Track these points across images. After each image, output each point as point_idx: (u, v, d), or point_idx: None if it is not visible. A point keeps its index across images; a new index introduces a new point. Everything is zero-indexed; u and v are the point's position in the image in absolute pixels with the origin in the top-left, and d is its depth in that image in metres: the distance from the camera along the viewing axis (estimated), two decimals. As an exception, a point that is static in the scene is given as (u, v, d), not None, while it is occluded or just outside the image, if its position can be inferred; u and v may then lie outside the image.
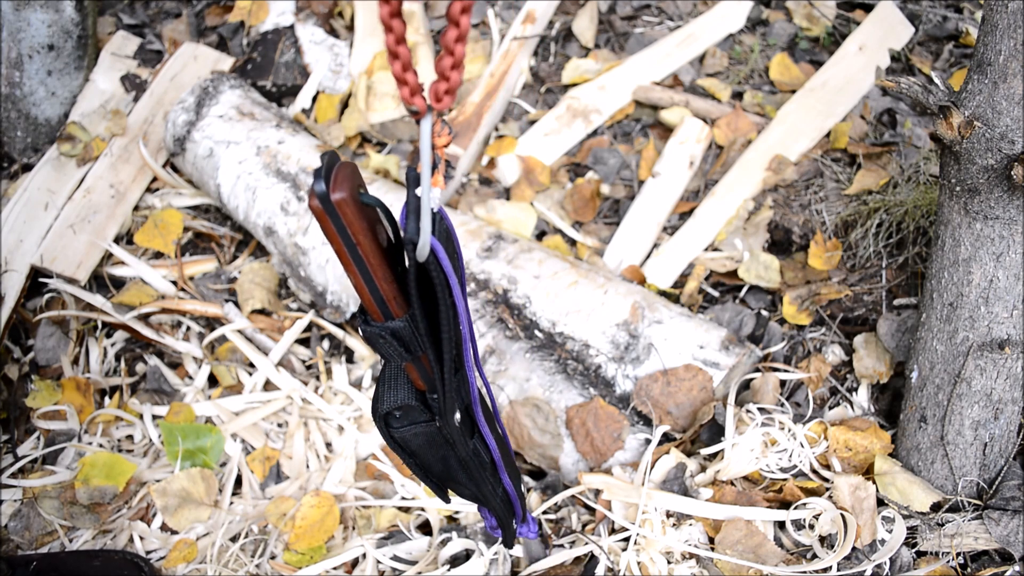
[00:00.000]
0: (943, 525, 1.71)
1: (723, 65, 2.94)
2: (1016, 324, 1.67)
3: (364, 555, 1.95)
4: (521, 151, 2.76)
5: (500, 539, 1.56)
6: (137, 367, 2.45)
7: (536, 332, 2.06)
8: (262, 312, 2.50)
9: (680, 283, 2.40)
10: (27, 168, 2.86)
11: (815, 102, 2.65)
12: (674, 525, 1.77)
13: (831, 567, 1.65)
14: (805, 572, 1.66)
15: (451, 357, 0.97)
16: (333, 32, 3.16)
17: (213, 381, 2.40)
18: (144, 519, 2.10)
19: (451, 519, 2.04)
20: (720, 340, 1.99)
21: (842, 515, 1.69)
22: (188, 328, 2.49)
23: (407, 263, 0.85)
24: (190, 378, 2.41)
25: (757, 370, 2.05)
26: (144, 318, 2.48)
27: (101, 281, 2.63)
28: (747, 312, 2.23)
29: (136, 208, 2.77)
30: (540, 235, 2.59)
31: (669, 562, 1.72)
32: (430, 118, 0.77)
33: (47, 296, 2.55)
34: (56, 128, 2.91)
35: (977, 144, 1.54)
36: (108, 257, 2.65)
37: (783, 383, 2.05)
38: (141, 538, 2.05)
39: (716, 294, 2.38)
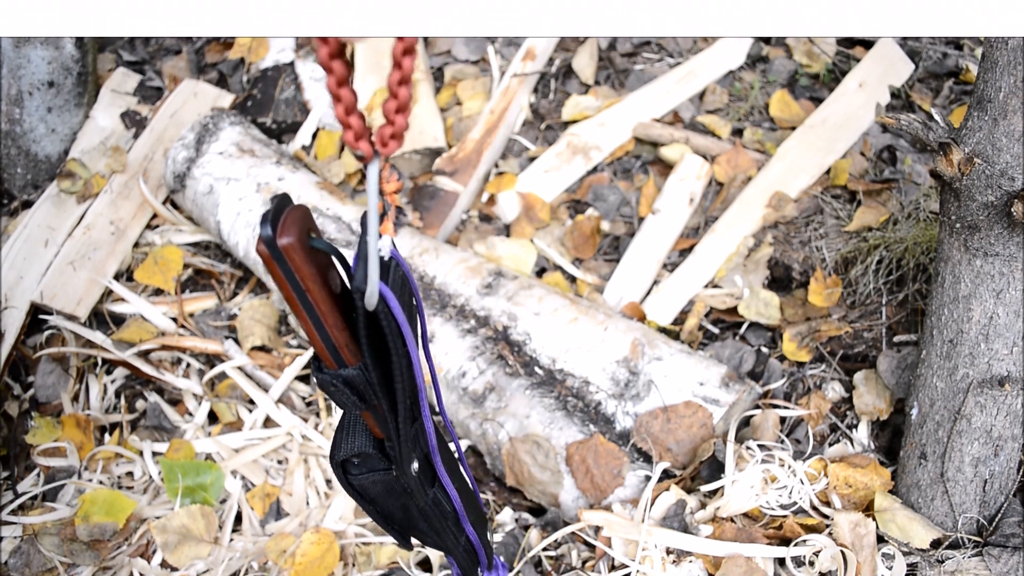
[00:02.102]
0: (943, 562, 1.70)
1: (723, 102, 2.95)
2: (1016, 361, 1.67)
3: (364, 592, 1.95)
4: (521, 188, 2.76)
5: None
6: (137, 404, 2.45)
7: (536, 369, 2.06)
8: (262, 349, 2.50)
9: (680, 320, 2.40)
10: (27, 205, 2.87)
11: (815, 139, 2.66)
12: (674, 562, 1.76)
13: (832, 604, 1.65)
14: (806, 609, 1.65)
15: (406, 406, 0.96)
16: (334, 68, 3.17)
17: (213, 418, 2.40)
18: (144, 556, 2.09)
19: (451, 555, 2.03)
20: (720, 377, 1.99)
21: (842, 552, 1.68)
22: (188, 365, 2.49)
23: (357, 311, 0.84)
24: (190, 415, 2.40)
25: (757, 407, 2.05)
26: (144, 355, 2.48)
27: (101, 318, 2.64)
28: (747, 349, 2.23)
29: (136, 245, 2.77)
30: (540, 272, 2.60)
31: (669, 599, 1.72)
32: (376, 163, 0.76)
33: (47, 333, 2.54)
34: (56, 165, 2.92)
35: (977, 181, 1.55)
36: (108, 294, 2.65)
37: (783, 420, 2.05)
38: (141, 575, 2.04)
39: (716, 331, 2.38)
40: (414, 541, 1.28)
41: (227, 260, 2.78)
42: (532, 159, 2.91)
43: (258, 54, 3.20)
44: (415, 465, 1.08)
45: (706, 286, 2.45)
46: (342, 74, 0.69)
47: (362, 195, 2.85)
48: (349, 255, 2.33)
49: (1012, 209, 1.50)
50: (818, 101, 2.88)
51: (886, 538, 1.75)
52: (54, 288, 2.56)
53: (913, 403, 1.83)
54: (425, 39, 3.34)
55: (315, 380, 0.94)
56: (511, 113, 2.98)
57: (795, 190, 2.55)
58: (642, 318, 2.38)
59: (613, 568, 1.80)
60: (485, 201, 2.81)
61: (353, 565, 2.02)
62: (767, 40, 3.13)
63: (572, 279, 2.57)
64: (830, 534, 1.74)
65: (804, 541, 1.74)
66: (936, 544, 1.75)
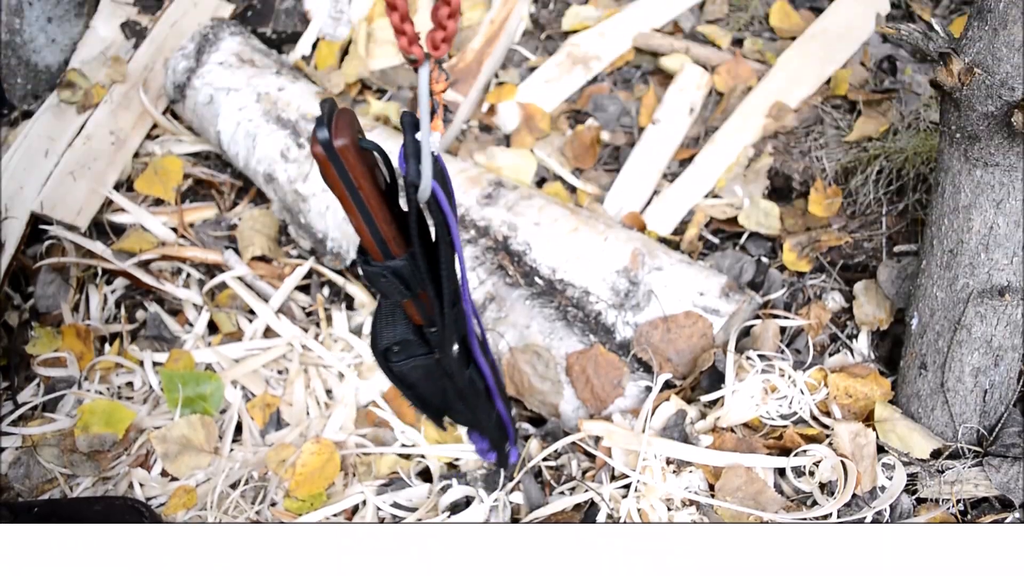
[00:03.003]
0: (943, 472, 1.71)
1: (723, 12, 2.93)
2: (1016, 271, 1.67)
3: (364, 502, 1.96)
4: (521, 98, 2.75)
5: (493, 461, 1.59)
6: (137, 314, 2.46)
7: (536, 279, 2.06)
8: (262, 259, 2.50)
9: (680, 230, 2.40)
10: (27, 115, 2.85)
11: (815, 49, 2.64)
12: (674, 472, 1.77)
13: (831, 514, 1.66)
14: (805, 519, 1.66)
15: (450, 292, 1.01)
16: (333, -22, 3.14)
17: (213, 328, 2.41)
18: (144, 466, 2.10)
19: (451, 466, 2.05)
20: (720, 287, 1.99)
21: (842, 462, 1.69)
22: (188, 275, 2.49)
23: (406, 205, 0.88)
24: (190, 325, 2.41)
25: (757, 317, 2.05)
26: (144, 265, 2.48)
27: (101, 228, 2.63)
28: (747, 259, 2.23)
29: (136, 155, 2.76)
30: (540, 182, 2.59)
31: (669, 509, 1.73)
32: (428, 65, 0.80)
33: (47, 243, 2.55)
34: (56, 75, 2.90)
35: (977, 91, 1.53)
36: (108, 204, 2.65)
37: (783, 330, 2.05)
38: (141, 485, 2.05)
39: (716, 241, 2.38)
40: (446, 420, 1.34)
41: (227, 170, 2.78)
42: (532, 69, 2.90)
43: (258, -37, 3.17)
44: (455, 347, 1.13)
45: (706, 196, 2.44)
46: None
47: (361, 105, 2.83)
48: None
49: (1012, 119, 1.49)
50: (818, 11, 2.85)
51: (886, 448, 1.76)
52: (54, 198, 2.55)
53: (913, 313, 1.83)
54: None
55: (362, 272, 0.99)
56: (511, 23, 2.95)
57: (795, 100, 2.53)
58: (642, 228, 2.38)
59: (613, 478, 1.81)
60: (485, 111, 2.79)
61: (353, 475, 2.04)
62: (769, -51, 3.10)
63: (572, 189, 2.57)
64: (830, 444, 1.74)
65: (804, 451, 1.74)
66: (936, 454, 1.76)
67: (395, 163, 0.92)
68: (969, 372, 1.73)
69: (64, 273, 2.50)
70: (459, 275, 1.05)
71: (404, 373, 1.16)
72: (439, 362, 1.14)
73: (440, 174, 0.91)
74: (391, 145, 2.33)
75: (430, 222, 0.97)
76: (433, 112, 0.83)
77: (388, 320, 1.10)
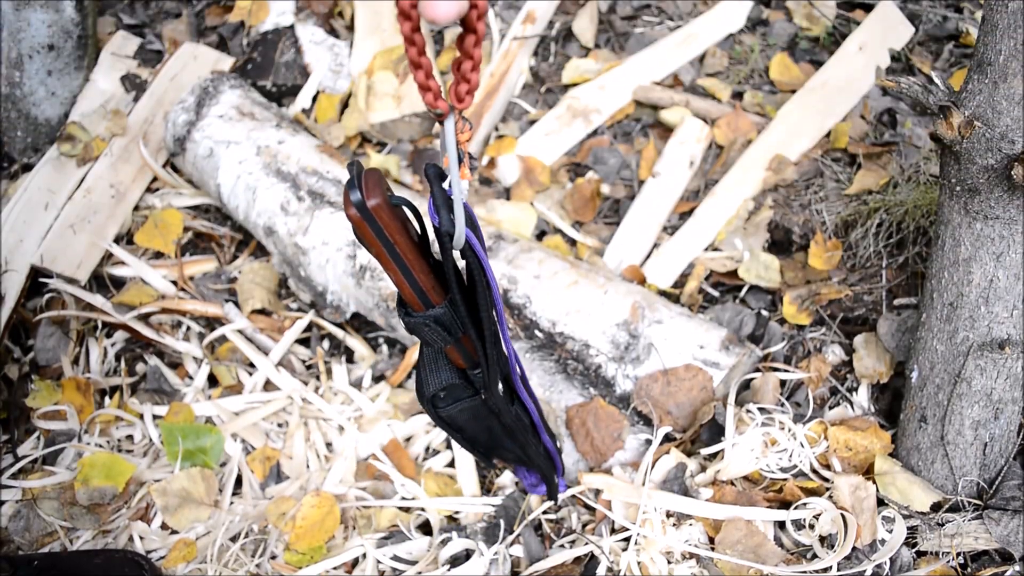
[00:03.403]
0: (943, 525, 1.71)
1: (723, 65, 2.94)
2: (1016, 324, 1.67)
3: (364, 555, 1.95)
4: (521, 151, 2.76)
5: (544, 494, 1.61)
6: (137, 367, 2.45)
7: (536, 332, 2.06)
8: (262, 312, 2.50)
9: (680, 283, 2.40)
10: (27, 168, 2.86)
11: (815, 102, 2.65)
12: (674, 525, 1.77)
13: (831, 567, 1.65)
14: (805, 572, 1.66)
15: (491, 333, 1.04)
16: (333, 32, 3.16)
17: (213, 381, 2.40)
18: (144, 519, 2.10)
19: (451, 519, 2.04)
20: (720, 340, 1.99)
21: (842, 515, 1.69)
22: (188, 328, 2.50)
23: (440, 253, 0.91)
24: (190, 378, 2.41)
25: (757, 370, 2.05)
26: (144, 318, 2.48)
27: (101, 281, 2.64)
28: (747, 312, 2.23)
29: (136, 208, 2.77)
30: (540, 235, 2.59)
31: (669, 562, 1.73)
32: (453, 117, 0.83)
33: (47, 296, 2.55)
34: (56, 128, 2.91)
35: (977, 144, 1.54)
36: (108, 257, 2.65)
37: (783, 383, 2.05)
38: (141, 538, 2.05)
39: (716, 294, 2.38)
40: (496, 461, 1.40)
41: (227, 223, 2.78)
42: (532, 122, 2.91)
43: (258, 17, 3.19)
44: (500, 386, 1.16)
45: (706, 249, 2.45)
46: (422, 44, 0.76)
47: (360, 158, 2.84)
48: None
49: (1012, 172, 1.49)
50: (818, 64, 2.87)
51: (886, 501, 1.76)
52: (54, 251, 2.56)
53: (913, 366, 1.83)
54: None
55: (405, 324, 1.01)
56: (511, 76, 2.97)
57: (795, 153, 2.54)
58: (642, 281, 2.38)
59: (613, 531, 1.81)
60: (485, 164, 2.80)
61: (354, 528, 2.03)
62: (767, 3, 3.12)
63: (572, 242, 2.57)
64: (830, 497, 1.74)
65: (804, 504, 1.74)
66: (936, 507, 1.75)
67: (424, 215, 0.94)
68: (969, 425, 1.72)
69: (64, 326, 2.50)
70: (499, 315, 1.07)
71: (452, 417, 1.18)
72: (485, 402, 1.16)
73: (470, 220, 0.93)
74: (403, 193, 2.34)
75: (460, 264, 0.99)
76: (460, 161, 0.86)
77: (432, 367, 1.12)
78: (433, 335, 1.00)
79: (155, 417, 2.28)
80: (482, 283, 0.98)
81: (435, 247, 0.97)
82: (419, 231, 0.98)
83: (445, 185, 0.89)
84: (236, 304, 2.51)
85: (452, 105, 0.83)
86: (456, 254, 0.94)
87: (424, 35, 2.64)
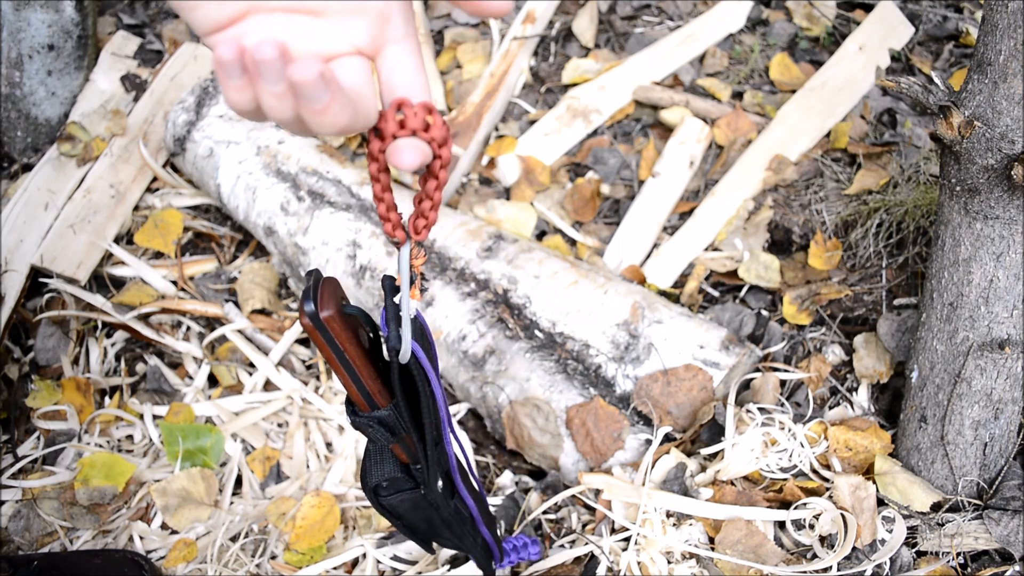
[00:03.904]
0: (943, 525, 1.71)
1: (723, 65, 2.94)
2: (1016, 324, 1.67)
3: (364, 555, 1.95)
4: (521, 151, 2.76)
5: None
6: (137, 367, 2.45)
7: (536, 332, 2.06)
8: (262, 312, 2.50)
9: (680, 283, 2.40)
10: (27, 168, 2.87)
11: (815, 102, 2.65)
12: (674, 525, 1.77)
13: (831, 567, 1.65)
14: (805, 572, 1.66)
15: (432, 435, 1.09)
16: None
17: (213, 381, 2.40)
18: (144, 519, 2.10)
19: (451, 519, 2.04)
20: (720, 340, 1.99)
21: (842, 515, 1.69)
22: (188, 328, 2.49)
23: (389, 361, 0.97)
24: (190, 378, 2.41)
25: (757, 370, 2.05)
26: (144, 318, 2.48)
27: (101, 281, 2.64)
28: (747, 312, 2.23)
29: (136, 208, 2.77)
30: (540, 235, 2.59)
31: (669, 562, 1.73)
32: (408, 246, 0.91)
33: (47, 296, 2.55)
34: (56, 128, 2.92)
35: (977, 144, 1.54)
36: (108, 257, 2.65)
37: (783, 383, 2.05)
38: (141, 538, 2.05)
39: (716, 294, 2.38)
40: (435, 545, 1.46)
41: (227, 223, 2.78)
42: (532, 122, 2.91)
43: (258, 17, 3.18)
44: (439, 483, 1.21)
45: (706, 249, 2.45)
46: (387, 183, 0.85)
47: (360, 158, 2.84)
48: (350, 224, 2.33)
49: (1012, 172, 1.49)
50: (818, 64, 2.87)
51: (886, 501, 1.76)
52: (54, 251, 2.56)
53: (913, 366, 1.83)
54: (425, 1, 3.33)
55: (351, 422, 1.05)
56: (511, 76, 2.97)
57: (795, 153, 2.54)
58: (642, 281, 2.38)
59: (613, 531, 1.80)
60: (485, 164, 2.80)
61: (354, 528, 2.03)
62: (767, 3, 3.13)
63: (572, 242, 2.57)
64: (830, 497, 1.74)
65: (804, 504, 1.74)
66: (936, 507, 1.75)
67: (378, 323, 1.00)
68: (969, 425, 1.72)
69: (64, 326, 2.50)
70: (442, 419, 1.11)
71: (393, 506, 1.23)
72: (424, 496, 1.21)
73: (420, 330, 1.00)
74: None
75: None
76: (412, 282, 0.93)
77: (376, 460, 1.17)
78: (376, 434, 1.05)
79: (155, 417, 2.28)
80: (426, 392, 1.03)
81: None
82: (372, 335, 1.02)
83: (397, 299, 0.94)
84: (236, 304, 2.51)
85: (409, 235, 0.90)
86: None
87: (424, 34, 2.62)
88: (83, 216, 2.65)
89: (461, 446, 1.29)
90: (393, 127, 0.78)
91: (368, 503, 2.06)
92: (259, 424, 2.26)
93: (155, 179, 2.84)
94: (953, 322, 1.72)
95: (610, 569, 1.72)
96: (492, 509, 1.98)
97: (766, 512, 1.73)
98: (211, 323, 2.51)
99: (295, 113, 0.69)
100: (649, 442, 1.91)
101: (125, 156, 2.80)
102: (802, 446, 1.83)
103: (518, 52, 3.00)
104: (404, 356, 0.95)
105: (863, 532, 1.68)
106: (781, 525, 1.76)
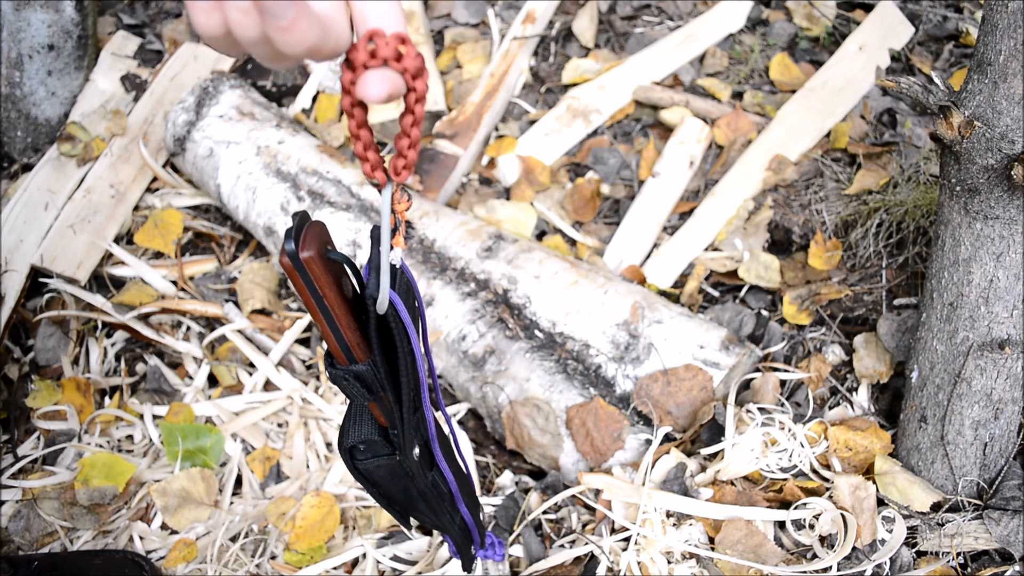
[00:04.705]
0: (943, 525, 1.71)
1: (723, 65, 2.94)
2: (1016, 324, 1.67)
3: (364, 555, 1.95)
4: (521, 151, 2.76)
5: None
6: (137, 367, 2.45)
7: (536, 332, 2.06)
8: (262, 312, 2.50)
9: (680, 283, 2.40)
10: (27, 168, 2.87)
11: (815, 102, 2.65)
12: (674, 525, 1.77)
13: (831, 567, 1.65)
14: (805, 572, 1.66)
15: (409, 398, 1.06)
16: (333, 32, 3.16)
17: (213, 381, 2.40)
18: (144, 519, 2.10)
19: (451, 519, 2.04)
20: (720, 340, 1.99)
21: (842, 515, 1.69)
22: (188, 328, 2.49)
23: (369, 315, 0.94)
24: (190, 378, 2.40)
25: (757, 370, 2.05)
26: (144, 318, 2.48)
27: (101, 281, 2.64)
28: (747, 312, 2.23)
29: (136, 208, 2.77)
30: (540, 235, 2.59)
31: (669, 562, 1.73)
32: (390, 188, 0.88)
33: (47, 296, 2.55)
34: (56, 128, 2.92)
35: (977, 144, 1.54)
36: (108, 257, 2.65)
37: (783, 383, 2.05)
38: (141, 538, 2.05)
39: (716, 294, 2.38)
40: (412, 521, 1.38)
41: (227, 223, 2.78)
42: (532, 122, 2.91)
43: (258, 18, 3.18)
44: (416, 450, 1.17)
45: (706, 249, 2.45)
46: (362, 118, 0.81)
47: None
48: (349, 226, 2.32)
49: (1012, 172, 1.49)
50: (818, 64, 2.87)
51: (886, 501, 1.76)
52: (54, 251, 2.56)
53: (913, 366, 1.83)
54: (426, 1, 3.33)
55: (328, 374, 1.02)
56: (511, 76, 2.97)
57: (795, 153, 2.54)
58: (642, 281, 2.38)
59: (613, 531, 1.80)
60: (485, 164, 2.80)
61: (354, 528, 2.03)
62: (767, 3, 3.13)
63: (572, 242, 2.57)
64: (830, 497, 1.74)
65: (804, 504, 1.74)
66: (936, 507, 1.75)
67: (364, 273, 0.97)
68: (969, 425, 1.72)
69: (64, 326, 2.50)
70: (422, 382, 1.09)
71: (369, 471, 1.20)
72: (400, 463, 1.18)
73: (406, 285, 0.97)
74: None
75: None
76: (395, 230, 0.90)
77: (355, 419, 1.14)
78: (353, 390, 1.02)
79: (155, 417, 2.28)
80: (404, 349, 0.99)
81: None
82: (357, 288, 1.00)
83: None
84: (236, 304, 2.50)
85: (390, 177, 0.87)
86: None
87: (424, 34, 2.62)
88: (83, 216, 2.65)
89: (449, 421, 1.28)
90: (364, 57, 0.76)
91: (368, 503, 2.06)
92: (259, 424, 2.26)
93: (155, 179, 2.84)
94: (953, 322, 1.72)
95: (610, 569, 1.72)
96: (492, 509, 1.98)
97: (766, 512, 1.73)
98: (211, 323, 2.51)
99: (261, 31, 0.69)
100: (649, 442, 1.91)
101: (125, 156, 2.80)
102: (802, 446, 1.83)
103: (518, 52, 3.00)
104: (382, 306, 0.92)
105: (863, 532, 1.68)
106: (781, 525, 1.76)
